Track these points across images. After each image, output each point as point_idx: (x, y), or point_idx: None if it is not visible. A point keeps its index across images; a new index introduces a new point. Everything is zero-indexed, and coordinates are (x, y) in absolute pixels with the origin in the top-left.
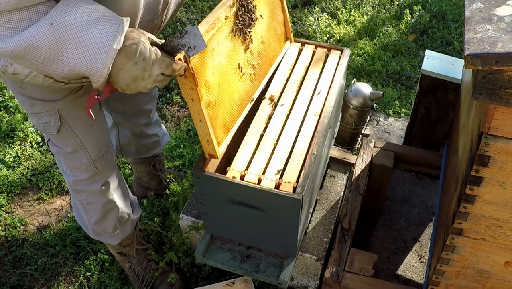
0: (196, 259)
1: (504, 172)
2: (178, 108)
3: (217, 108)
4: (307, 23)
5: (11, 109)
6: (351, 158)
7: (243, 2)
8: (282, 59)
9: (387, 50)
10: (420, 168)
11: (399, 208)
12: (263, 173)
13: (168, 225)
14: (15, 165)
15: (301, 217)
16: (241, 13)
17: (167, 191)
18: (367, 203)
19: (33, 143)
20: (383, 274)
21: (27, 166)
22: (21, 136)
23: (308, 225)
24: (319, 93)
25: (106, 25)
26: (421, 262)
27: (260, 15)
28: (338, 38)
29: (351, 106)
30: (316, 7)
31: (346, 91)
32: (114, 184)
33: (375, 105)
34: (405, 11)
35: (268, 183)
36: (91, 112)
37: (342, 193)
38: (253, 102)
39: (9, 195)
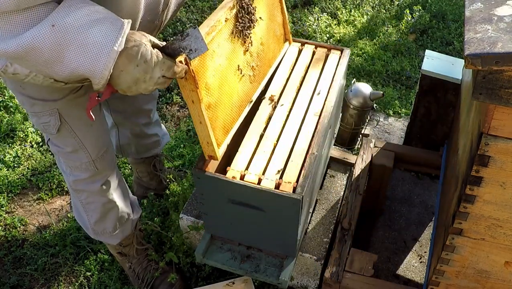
0: (196, 259)
1: (504, 172)
2: (178, 108)
3: (217, 110)
4: (307, 23)
5: (11, 109)
6: (351, 158)
7: (243, 4)
8: (282, 60)
9: (387, 50)
10: (420, 168)
11: (399, 208)
12: (263, 173)
13: (168, 225)
14: (15, 165)
15: (301, 217)
16: (241, 15)
17: (167, 191)
18: (367, 203)
19: (33, 143)
20: (383, 274)
21: (27, 166)
22: (21, 136)
23: (308, 225)
24: (319, 93)
25: (108, 26)
26: (421, 262)
27: (260, 17)
28: (338, 38)
29: (351, 106)
30: (316, 7)
31: (346, 91)
32: (114, 184)
33: (375, 105)
34: (405, 11)
35: (268, 183)
36: (91, 113)
37: (342, 193)
38: (252, 103)
39: (9, 195)
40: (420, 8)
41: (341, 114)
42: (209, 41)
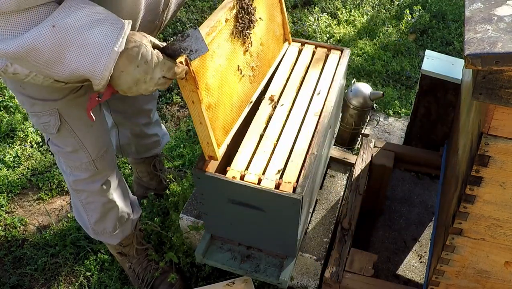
0: (196, 259)
1: (504, 172)
2: (178, 108)
3: (217, 110)
4: (307, 23)
5: (11, 109)
6: (351, 158)
7: (243, 4)
8: (281, 60)
9: (387, 50)
10: (420, 168)
11: (399, 208)
12: (263, 173)
13: (168, 225)
14: (15, 165)
15: (301, 217)
16: (241, 15)
17: (167, 191)
18: (367, 203)
19: (33, 143)
20: (383, 274)
21: (27, 166)
22: (21, 136)
23: (308, 225)
24: (319, 93)
25: (108, 27)
26: (421, 262)
27: (260, 17)
28: (338, 38)
29: (351, 106)
30: (316, 7)
31: (346, 91)
32: (114, 184)
33: (375, 105)
34: (405, 11)
35: (268, 183)
36: (91, 113)
37: (342, 193)
38: (252, 104)
39: (9, 195)
40: (420, 8)
41: (341, 114)
42: (209, 41)
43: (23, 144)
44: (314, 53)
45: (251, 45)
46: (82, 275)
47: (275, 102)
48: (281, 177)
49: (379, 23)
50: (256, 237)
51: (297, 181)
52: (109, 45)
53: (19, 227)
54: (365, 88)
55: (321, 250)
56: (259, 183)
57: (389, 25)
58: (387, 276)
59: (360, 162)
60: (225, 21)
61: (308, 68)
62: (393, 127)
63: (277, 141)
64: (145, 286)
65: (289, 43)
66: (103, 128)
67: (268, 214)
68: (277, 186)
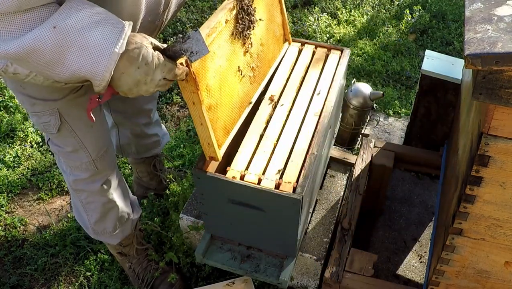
0: (196, 259)
1: (504, 172)
2: (178, 108)
3: (218, 111)
4: (307, 23)
5: (11, 109)
6: (351, 158)
7: (243, 5)
8: (281, 60)
9: (387, 50)
10: (420, 168)
11: (399, 208)
12: (263, 173)
13: (168, 225)
14: (15, 165)
15: (301, 217)
16: (241, 16)
17: (167, 191)
18: (367, 203)
19: (33, 143)
20: (383, 274)
21: (27, 166)
22: (21, 136)
23: (308, 225)
24: (319, 93)
25: (109, 28)
26: (421, 262)
27: (260, 18)
28: (338, 38)
29: (351, 106)
30: (316, 7)
31: (346, 91)
32: (114, 184)
33: (375, 105)
34: (405, 11)
35: (268, 183)
36: (91, 114)
37: (342, 193)
38: (252, 104)
39: (9, 195)
40: (420, 8)
41: (341, 114)
42: (210, 42)
43: (23, 144)
44: (314, 53)
45: (251, 46)
46: (82, 275)
47: (275, 102)
48: (281, 177)
49: (379, 23)
50: (256, 237)
51: (297, 181)
52: (109, 46)
53: (19, 227)
54: (365, 88)
55: (321, 250)
56: (259, 183)
57: (389, 25)
58: (387, 276)
59: (360, 162)
60: (225, 22)
61: (308, 68)
62: (393, 127)
63: (277, 141)
64: (145, 286)
65: (289, 43)
66: (103, 128)
67: (268, 214)
68: (277, 186)
